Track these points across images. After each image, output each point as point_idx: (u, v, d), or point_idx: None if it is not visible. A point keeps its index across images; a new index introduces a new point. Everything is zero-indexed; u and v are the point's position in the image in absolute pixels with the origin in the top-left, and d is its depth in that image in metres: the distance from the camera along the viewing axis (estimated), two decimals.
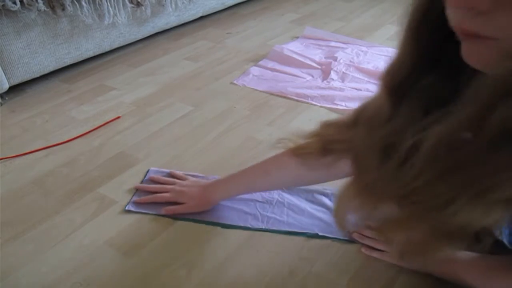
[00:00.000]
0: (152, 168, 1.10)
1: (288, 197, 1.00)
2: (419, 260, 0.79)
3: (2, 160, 1.16)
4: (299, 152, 0.69)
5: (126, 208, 0.98)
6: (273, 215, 0.95)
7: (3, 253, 0.88)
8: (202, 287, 0.81)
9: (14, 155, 1.17)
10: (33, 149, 1.19)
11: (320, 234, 0.90)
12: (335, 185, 1.04)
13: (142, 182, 1.07)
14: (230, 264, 0.85)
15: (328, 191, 1.01)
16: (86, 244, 0.90)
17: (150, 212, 0.97)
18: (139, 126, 1.30)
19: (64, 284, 0.81)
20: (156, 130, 1.28)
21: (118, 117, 1.33)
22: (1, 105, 1.42)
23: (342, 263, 0.85)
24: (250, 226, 0.93)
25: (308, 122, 1.30)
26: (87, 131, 1.27)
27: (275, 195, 1.00)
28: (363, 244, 0.87)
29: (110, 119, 1.32)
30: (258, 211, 0.96)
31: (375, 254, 0.85)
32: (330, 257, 0.86)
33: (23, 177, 1.10)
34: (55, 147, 1.21)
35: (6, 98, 1.45)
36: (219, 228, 0.93)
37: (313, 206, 0.97)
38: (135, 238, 0.91)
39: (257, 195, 1.00)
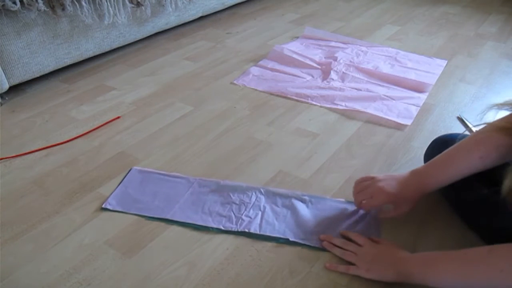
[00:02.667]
0: (135, 167, 1.10)
1: (264, 201, 0.99)
2: (383, 271, 0.79)
3: (2, 160, 1.16)
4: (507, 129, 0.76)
5: (103, 206, 0.98)
6: (247, 218, 0.94)
7: (3, 253, 0.88)
8: (202, 287, 0.81)
9: (14, 155, 1.17)
10: (33, 149, 1.19)
11: (291, 240, 0.90)
12: (313, 192, 1.04)
13: (122, 180, 1.06)
14: (230, 264, 0.85)
15: (306, 197, 1.00)
16: (86, 244, 0.90)
17: (128, 211, 0.97)
18: (139, 126, 1.30)
19: (64, 284, 0.81)
20: (156, 130, 1.28)
21: (118, 117, 1.33)
22: (1, 105, 1.42)
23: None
24: (222, 228, 0.92)
25: (308, 122, 1.30)
26: (87, 131, 1.27)
27: (253, 198, 1.00)
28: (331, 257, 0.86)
29: (110, 119, 1.32)
30: (233, 213, 0.96)
31: (340, 269, 0.83)
32: (330, 257, 0.86)
33: (23, 177, 1.10)
34: (55, 147, 1.21)
35: (6, 98, 1.45)
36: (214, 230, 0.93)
37: (288, 211, 0.96)
38: (135, 238, 0.91)
39: (234, 198, 1.00)
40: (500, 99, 0.76)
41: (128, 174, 1.08)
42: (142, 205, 0.98)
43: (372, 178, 0.92)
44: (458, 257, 0.71)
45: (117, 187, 1.04)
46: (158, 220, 0.95)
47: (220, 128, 1.28)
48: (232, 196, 1.00)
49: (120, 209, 0.98)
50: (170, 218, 0.95)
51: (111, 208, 0.98)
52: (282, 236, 0.90)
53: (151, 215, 0.96)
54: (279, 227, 0.93)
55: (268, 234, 0.91)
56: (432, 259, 0.74)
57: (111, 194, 1.02)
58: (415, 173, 0.89)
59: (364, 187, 0.92)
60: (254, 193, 1.01)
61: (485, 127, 0.83)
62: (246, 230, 0.91)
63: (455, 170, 0.85)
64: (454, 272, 0.70)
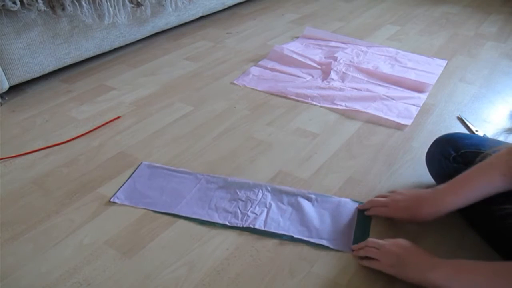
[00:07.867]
0: (144, 162, 1.12)
1: (270, 198, 1.00)
2: (407, 270, 0.77)
3: (2, 160, 1.16)
4: None
5: (111, 200, 1.00)
6: (252, 214, 0.95)
7: (3, 253, 0.88)
8: (202, 287, 0.81)
9: (14, 155, 1.17)
10: (33, 149, 1.19)
11: (295, 236, 0.90)
12: (319, 190, 1.04)
13: (131, 175, 1.08)
14: (230, 264, 0.85)
15: (312, 196, 1.00)
16: (86, 244, 0.90)
17: (136, 205, 0.98)
18: (139, 126, 1.30)
19: (64, 284, 0.81)
20: (156, 130, 1.28)
21: (118, 117, 1.33)
22: (1, 105, 1.42)
23: (342, 263, 0.85)
24: (228, 224, 0.93)
25: (308, 122, 1.30)
26: (87, 131, 1.27)
27: (259, 195, 1.01)
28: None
29: (110, 119, 1.32)
30: (239, 209, 0.97)
31: (365, 263, 0.83)
32: (330, 257, 0.86)
33: (23, 177, 1.10)
34: (55, 147, 1.21)
35: (6, 98, 1.45)
36: (218, 228, 0.93)
37: (294, 209, 0.97)
38: (135, 238, 0.91)
39: (241, 194, 1.01)
40: (500, 100, 0.76)
41: (138, 169, 1.10)
42: (149, 200, 1.00)
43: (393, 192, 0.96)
44: (488, 271, 0.69)
45: (126, 181, 1.06)
46: (165, 214, 0.96)
47: (220, 128, 1.28)
48: (239, 192, 1.02)
49: (128, 203, 0.99)
50: (177, 213, 0.96)
51: (119, 202, 0.99)
52: (286, 233, 0.91)
53: (158, 210, 0.97)
54: (283, 224, 0.93)
55: (272, 230, 0.91)
56: (459, 268, 0.72)
57: (120, 188, 1.03)
58: (434, 190, 0.87)
59: (382, 195, 0.96)
60: (260, 190, 1.02)
61: (499, 152, 0.81)
62: (251, 226, 0.92)
63: (476, 187, 0.82)
64: (486, 285, 0.69)
